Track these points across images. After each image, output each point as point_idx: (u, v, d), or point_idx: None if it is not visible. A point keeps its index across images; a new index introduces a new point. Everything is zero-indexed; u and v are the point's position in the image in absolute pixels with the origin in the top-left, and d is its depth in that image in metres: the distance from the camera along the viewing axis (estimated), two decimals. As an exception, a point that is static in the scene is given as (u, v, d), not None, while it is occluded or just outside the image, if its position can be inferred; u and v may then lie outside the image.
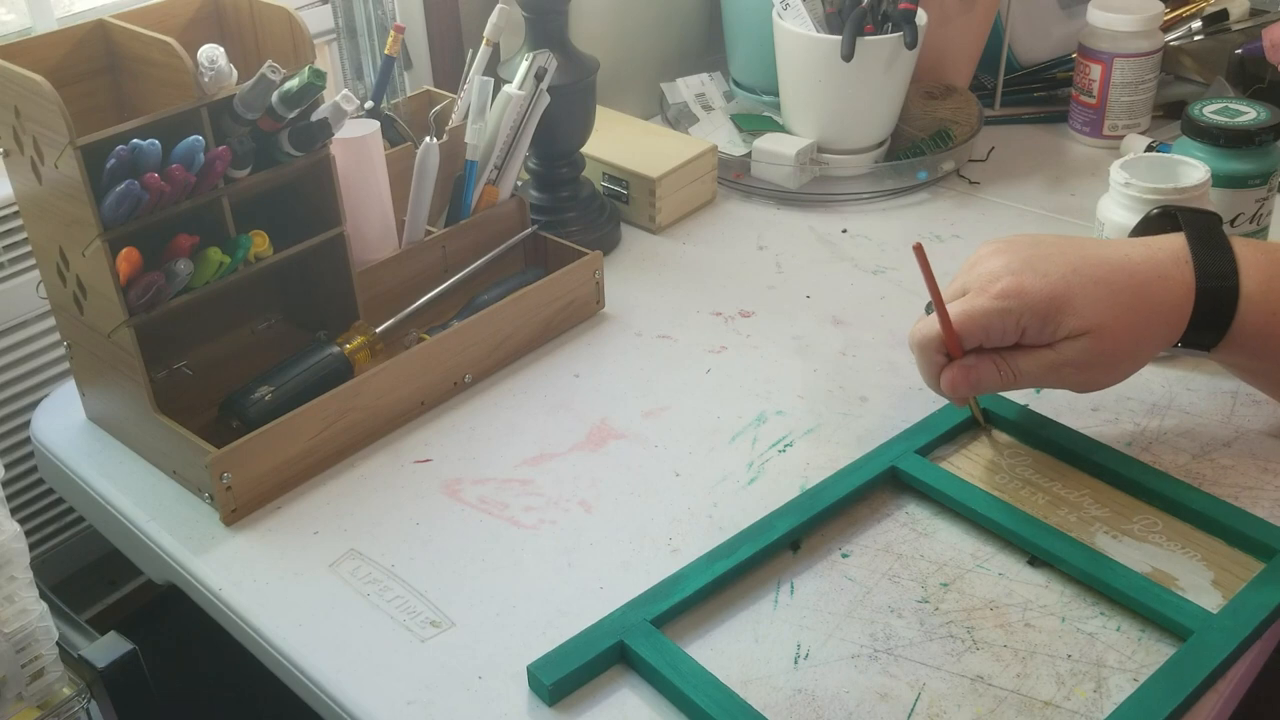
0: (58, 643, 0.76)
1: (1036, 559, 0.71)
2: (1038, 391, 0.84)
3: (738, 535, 0.72)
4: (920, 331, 0.74)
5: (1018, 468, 0.77)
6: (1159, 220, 0.78)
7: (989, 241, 0.75)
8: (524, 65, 0.92)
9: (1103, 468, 0.76)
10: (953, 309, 0.72)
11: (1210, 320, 0.73)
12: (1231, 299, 0.72)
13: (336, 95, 0.79)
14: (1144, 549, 0.71)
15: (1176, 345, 0.75)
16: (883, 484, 0.77)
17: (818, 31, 1.08)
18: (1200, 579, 0.69)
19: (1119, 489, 0.75)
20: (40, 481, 1.11)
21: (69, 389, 0.90)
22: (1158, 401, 0.83)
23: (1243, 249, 0.73)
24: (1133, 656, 0.64)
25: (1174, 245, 0.74)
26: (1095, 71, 1.17)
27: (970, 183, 1.15)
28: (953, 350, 0.73)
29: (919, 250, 0.74)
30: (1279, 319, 0.72)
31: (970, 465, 0.78)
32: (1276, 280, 0.72)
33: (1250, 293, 0.72)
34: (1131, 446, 0.79)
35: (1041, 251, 0.73)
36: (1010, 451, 0.79)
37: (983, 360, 0.73)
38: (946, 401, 0.82)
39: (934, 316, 0.73)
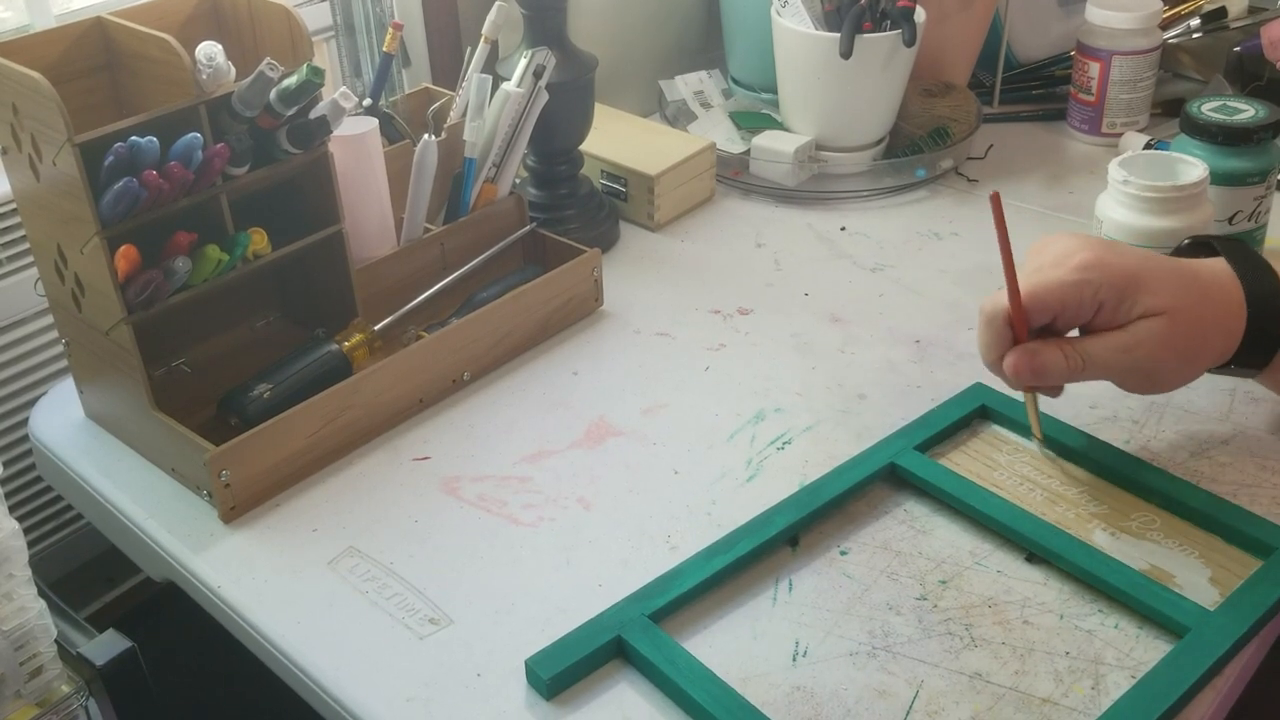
0: (56, 640, 0.76)
1: (1034, 555, 0.71)
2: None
3: (736, 531, 0.72)
4: (991, 301, 0.71)
5: (1016, 464, 0.77)
6: (1190, 250, 0.77)
7: (1048, 235, 0.73)
8: (522, 63, 0.92)
9: (1101, 465, 0.76)
10: (1025, 280, 0.70)
11: (1262, 338, 0.72)
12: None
13: (335, 93, 0.79)
14: (1142, 546, 0.71)
15: (1229, 367, 0.74)
16: (881, 480, 0.77)
17: (816, 29, 1.08)
18: (1198, 576, 0.69)
19: (1117, 486, 0.75)
20: (39, 479, 1.11)
21: (67, 386, 0.90)
22: (1156, 399, 0.83)
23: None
24: (1131, 654, 0.64)
25: (1220, 264, 0.73)
26: (1094, 69, 1.17)
27: (969, 180, 1.15)
28: (1019, 327, 0.70)
29: (995, 200, 0.70)
30: None
31: (969, 462, 0.78)
32: None
33: None
34: (1130, 444, 0.79)
35: (1110, 240, 0.72)
36: (1009, 448, 0.79)
37: (1048, 345, 0.71)
38: (946, 398, 0.82)
39: (1004, 291, 0.70)
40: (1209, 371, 0.75)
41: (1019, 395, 0.77)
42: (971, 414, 0.81)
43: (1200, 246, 0.76)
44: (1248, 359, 0.73)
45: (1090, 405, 0.83)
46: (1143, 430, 0.80)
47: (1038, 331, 0.72)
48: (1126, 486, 0.75)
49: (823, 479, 0.76)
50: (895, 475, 0.77)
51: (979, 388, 0.83)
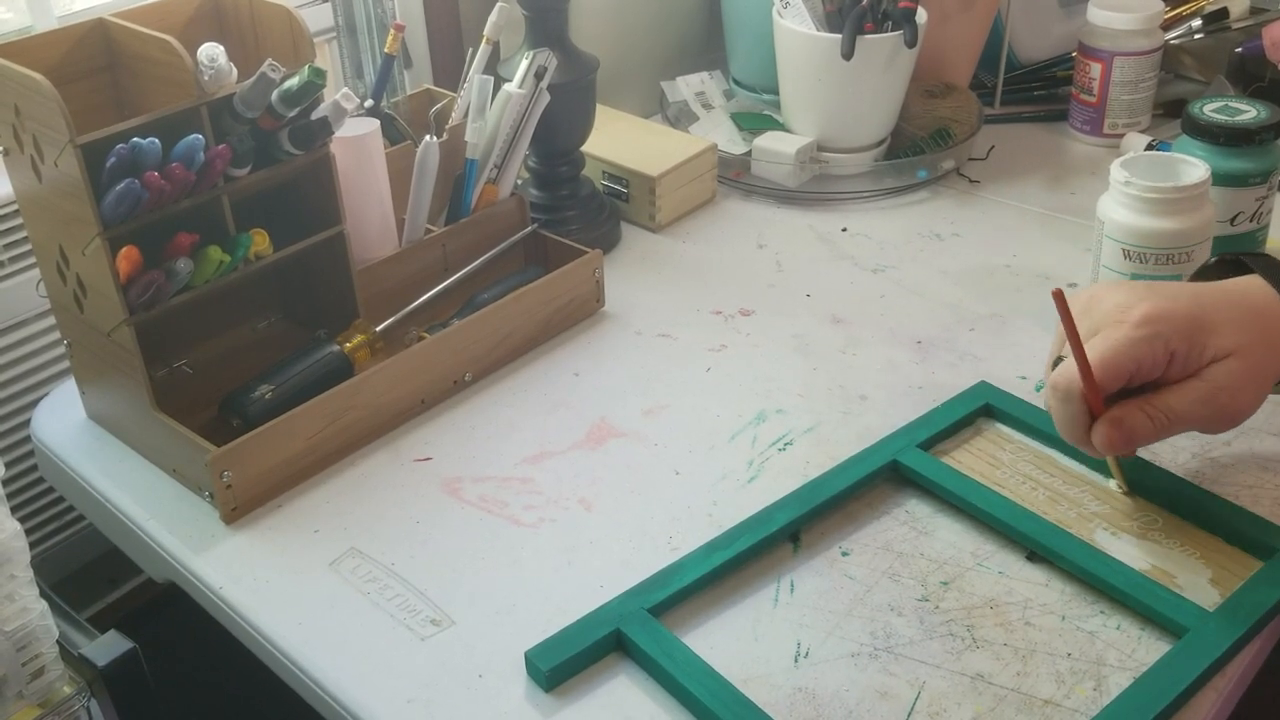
0: (58, 641, 0.76)
1: (1035, 554, 0.71)
2: (1039, 389, 0.84)
3: (737, 526, 0.72)
4: (1065, 379, 0.68)
5: (1019, 463, 0.77)
6: (1216, 269, 0.76)
7: (1089, 287, 0.71)
8: (524, 64, 0.92)
9: (1103, 464, 0.76)
10: (1093, 348, 0.67)
11: None
12: None
13: (336, 94, 0.79)
14: (1143, 546, 0.71)
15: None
16: (883, 480, 0.77)
17: (818, 30, 1.08)
18: (1198, 577, 0.69)
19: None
20: (40, 480, 1.11)
21: (69, 388, 0.90)
22: (1158, 400, 0.83)
23: None
24: (1133, 655, 0.64)
25: (1258, 283, 0.72)
26: (1095, 70, 1.17)
27: (970, 181, 1.15)
28: (1093, 400, 0.67)
29: (1059, 298, 0.67)
30: None
31: (971, 460, 0.78)
32: None
33: None
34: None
35: (1153, 283, 0.70)
36: (1012, 447, 0.79)
37: (1131, 410, 0.68)
38: (949, 397, 0.82)
39: (1072, 363, 0.67)
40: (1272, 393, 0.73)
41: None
42: (976, 412, 0.81)
43: (1228, 264, 0.75)
44: None
45: (1092, 406, 0.83)
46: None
47: (1113, 405, 0.69)
48: (1129, 486, 0.75)
49: (825, 475, 0.76)
50: (898, 473, 0.77)
51: (983, 386, 0.83)
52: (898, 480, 0.77)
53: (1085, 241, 0.97)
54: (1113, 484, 0.75)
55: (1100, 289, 0.70)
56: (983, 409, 0.81)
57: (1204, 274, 0.77)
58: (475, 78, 0.91)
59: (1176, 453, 0.78)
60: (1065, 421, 0.69)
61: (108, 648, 0.79)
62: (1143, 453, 0.78)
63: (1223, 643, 0.63)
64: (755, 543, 0.71)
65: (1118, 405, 0.68)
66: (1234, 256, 0.75)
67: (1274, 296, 0.71)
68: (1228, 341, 0.68)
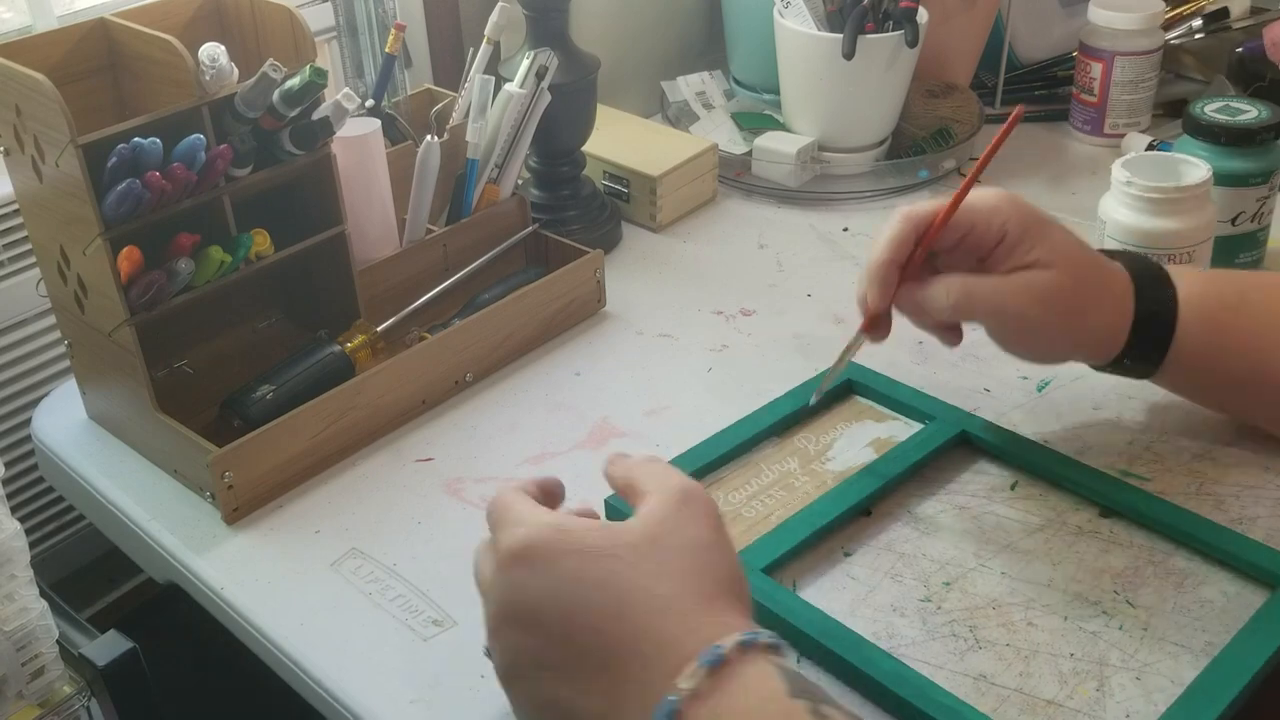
0: (58, 641, 0.76)
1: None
2: (1040, 389, 0.84)
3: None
4: (917, 207, 0.71)
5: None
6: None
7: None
8: (525, 64, 0.92)
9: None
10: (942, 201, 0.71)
11: (1150, 341, 0.73)
12: (1170, 310, 0.73)
13: (337, 94, 0.79)
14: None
15: (1111, 367, 0.75)
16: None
17: (819, 30, 1.08)
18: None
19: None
20: (41, 480, 1.11)
21: (70, 388, 0.90)
22: (1160, 399, 0.83)
23: (1178, 271, 0.74)
24: (1135, 655, 0.64)
25: (1120, 266, 0.74)
26: (1096, 70, 1.17)
27: (971, 181, 1.15)
28: (930, 232, 0.70)
29: (1019, 113, 0.71)
30: (1215, 324, 0.73)
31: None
32: (1210, 291, 0.74)
33: (1186, 300, 0.73)
34: (1134, 444, 0.79)
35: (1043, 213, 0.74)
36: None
37: (935, 279, 0.72)
38: (949, 399, 0.82)
39: (930, 201, 0.72)
40: (1101, 369, 0.76)
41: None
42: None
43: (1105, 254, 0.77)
44: (1136, 357, 0.74)
45: (1094, 407, 0.83)
46: (1146, 431, 0.80)
47: (930, 259, 0.73)
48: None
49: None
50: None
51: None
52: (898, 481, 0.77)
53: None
54: (832, 373, 0.78)
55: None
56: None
57: None
58: (476, 78, 0.91)
59: (1179, 453, 0.78)
60: (888, 239, 0.71)
61: (108, 647, 0.79)
62: (1143, 450, 0.78)
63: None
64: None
65: (937, 274, 0.72)
66: (1113, 251, 0.77)
67: (1125, 281, 0.73)
68: (1054, 256, 0.71)
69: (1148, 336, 0.73)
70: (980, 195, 0.71)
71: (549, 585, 0.52)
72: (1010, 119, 0.70)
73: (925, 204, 0.72)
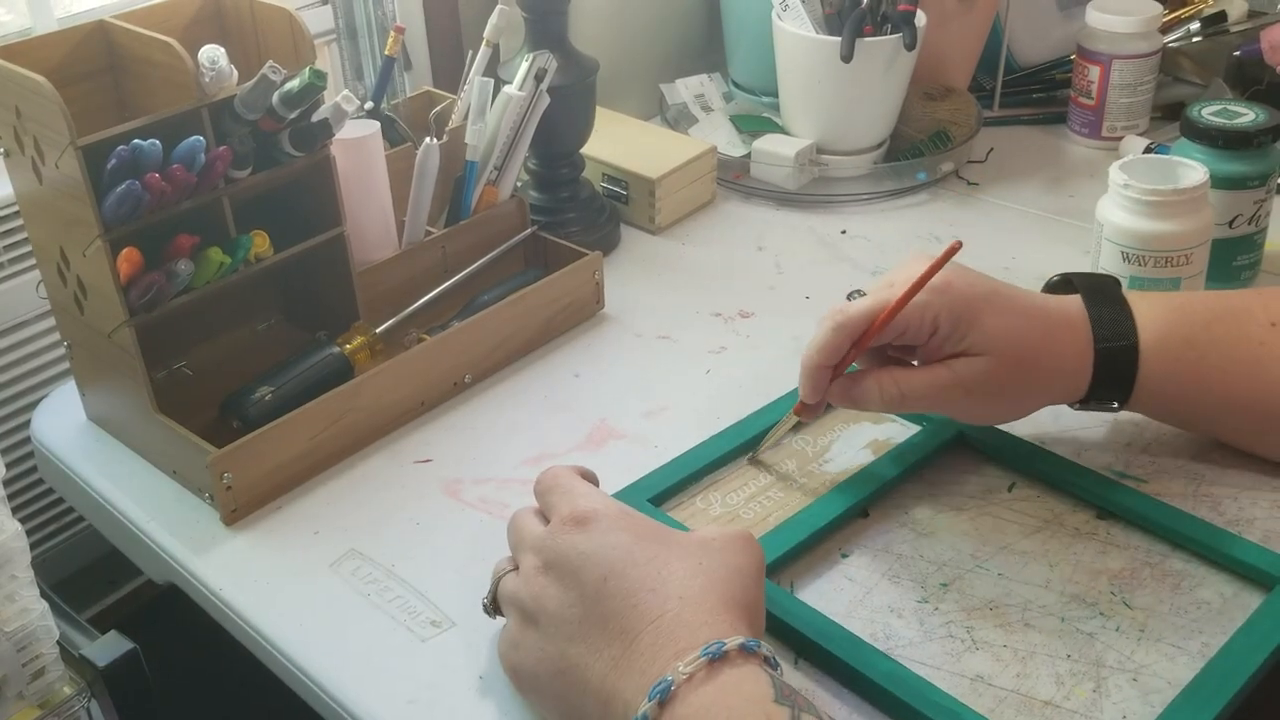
0: (58, 642, 0.76)
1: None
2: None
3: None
4: (847, 311, 0.71)
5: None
6: (1061, 287, 0.78)
7: (914, 254, 0.73)
8: (524, 66, 0.92)
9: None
10: (875, 296, 0.70)
11: (1113, 379, 0.73)
12: (1130, 356, 0.72)
13: (337, 96, 0.79)
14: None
15: (1083, 405, 0.75)
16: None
17: (817, 33, 1.08)
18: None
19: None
20: (40, 481, 1.11)
21: (69, 389, 0.90)
22: (1156, 402, 0.83)
23: (1139, 303, 0.74)
24: (1132, 656, 0.64)
25: (1076, 304, 0.74)
26: (1094, 73, 1.17)
27: (969, 184, 1.16)
28: (865, 337, 0.70)
29: (953, 249, 0.69)
30: (1182, 363, 0.73)
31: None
32: (1174, 326, 0.73)
33: (1149, 343, 0.72)
34: (1130, 447, 0.79)
35: (974, 271, 0.73)
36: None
37: (869, 375, 0.72)
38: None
39: (864, 300, 0.71)
40: (1074, 408, 0.76)
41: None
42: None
43: (1065, 284, 0.77)
44: (1103, 395, 0.74)
45: (1091, 408, 0.83)
46: (1143, 434, 0.80)
47: (872, 351, 0.73)
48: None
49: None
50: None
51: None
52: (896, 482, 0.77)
53: (1084, 244, 0.97)
54: (767, 441, 0.78)
55: (922, 256, 0.71)
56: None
57: (1048, 290, 0.79)
58: (475, 80, 0.92)
59: (1177, 455, 0.78)
60: (822, 346, 0.71)
61: (108, 648, 0.79)
62: (1140, 452, 0.78)
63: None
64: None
65: (867, 369, 0.73)
66: (1071, 276, 0.77)
67: (1083, 320, 0.73)
68: (989, 343, 0.70)
69: (1109, 380, 0.73)
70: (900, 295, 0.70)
71: (598, 550, 0.58)
72: (946, 251, 0.69)
73: (858, 307, 0.71)
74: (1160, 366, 0.73)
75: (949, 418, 0.76)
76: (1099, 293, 0.74)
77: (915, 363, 0.74)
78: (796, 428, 0.80)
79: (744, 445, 0.79)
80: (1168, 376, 0.73)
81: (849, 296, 0.73)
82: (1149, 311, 0.73)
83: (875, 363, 0.75)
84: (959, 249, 0.69)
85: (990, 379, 0.71)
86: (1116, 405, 0.75)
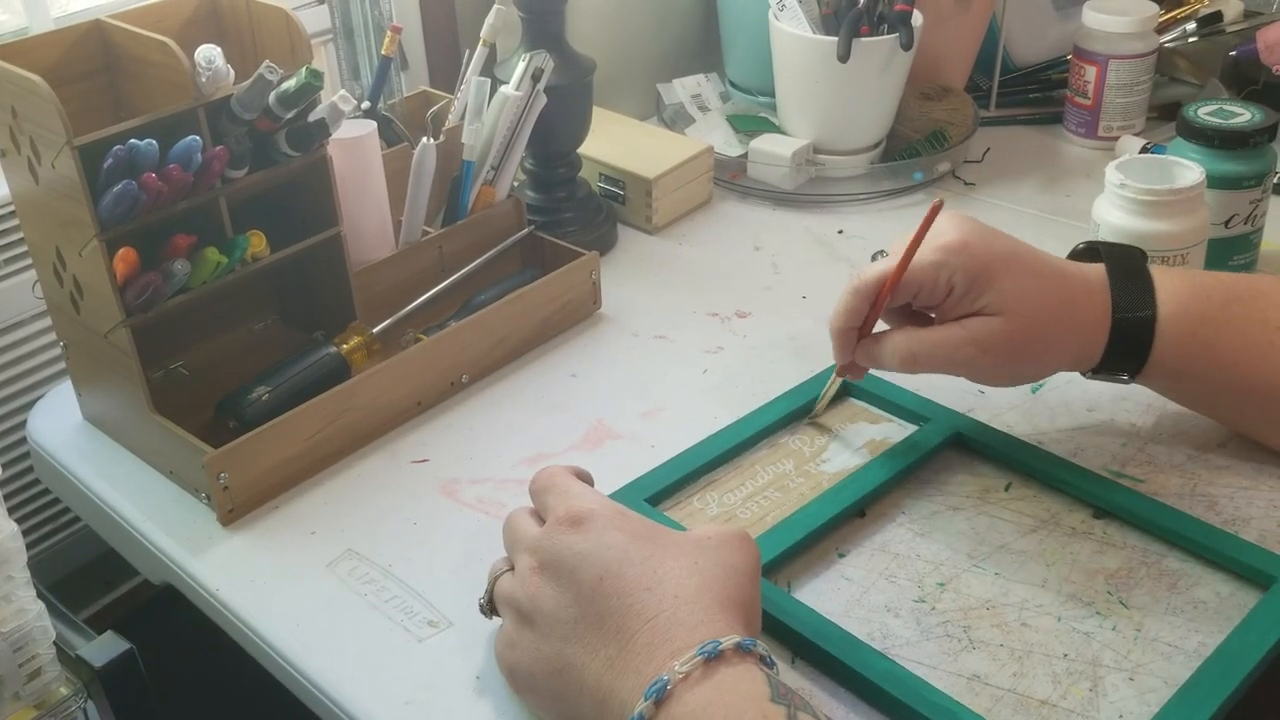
0: (55, 642, 0.76)
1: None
2: (1034, 390, 0.85)
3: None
4: (866, 275, 0.72)
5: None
6: (1086, 255, 0.78)
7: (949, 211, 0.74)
8: (521, 66, 0.92)
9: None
10: (891, 260, 0.72)
11: (1128, 349, 0.73)
12: (1147, 328, 0.72)
13: (334, 95, 0.79)
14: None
15: (1094, 374, 0.76)
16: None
17: (814, 33, 1.08)
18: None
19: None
20: (37, 481, 1.11)
21: (65, 389, 0.90)
22: (1153, 401, 0.83)
23: (1161, 277, 0.74)
24: (1128, 655, 0.64)
25: (1097, 271, 0.74)
26: (1090, 73, 1.17)
27: (966, 184, 1.16)
28: (880, 299, 0.72)
29: (935, 208, 0.71)
30: (1197, 340, 0.73)
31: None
32: (1192, 302, 0.73)
33: (1166, 317, 0.72)
34: (1127, 446, 0.79)
35: (993, 230, 0.74)
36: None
37: (887, 336, 0.74)
38: (942, 400, 0.82)
39: (882, 262, 0.72)
40: (1086, 375, 0.76)
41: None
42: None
43: (1092, 253, 0.77)
44: (1116, 365, 0.74)
45: (1087, 408, 0.83)
46: (1140, 433, 0.80)
47: (896, 310, 0.74)
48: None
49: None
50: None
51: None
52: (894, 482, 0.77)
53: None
54: (821, 403, 0.82)
55: (943, 215, 0.72)
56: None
57: (1073, 258, 0.79)
58: (472, 80, 0.92)
59: (1172, 454, 0.78)
60: (840, 309, 0.74)
61: (105, 649, 0.79)
62: (1137, 451, 0.78)
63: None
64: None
65: (887, 330, 0.74)
66: (1098, 244, 0.77)
67: (1103, 288, 0.73)
68: (1004, 301, 0.71)
69: (1124, 350, 0.73)
70: (926, 253, 0.71)
71: (594, 549, 0.58)
72: (929, 211, 0.70)
73: (874, 270, 0.72)
74: (1174, 341, 0.73)
75: (965, 377, 0.76)
76: (1124, 262, 0.75)
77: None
78: (844, 389, 0.83)
79: (742, 445, 0.79)
80: (1180, 352, 0.73)
81: (873, 257, 0.74)
82: (1170, 285, 0.73)
83: (900, 323, 0.75)
84: (940, 207, 0.71)
85: (1004, 339, 0.71)
86: (1126, 377, 0.75)
